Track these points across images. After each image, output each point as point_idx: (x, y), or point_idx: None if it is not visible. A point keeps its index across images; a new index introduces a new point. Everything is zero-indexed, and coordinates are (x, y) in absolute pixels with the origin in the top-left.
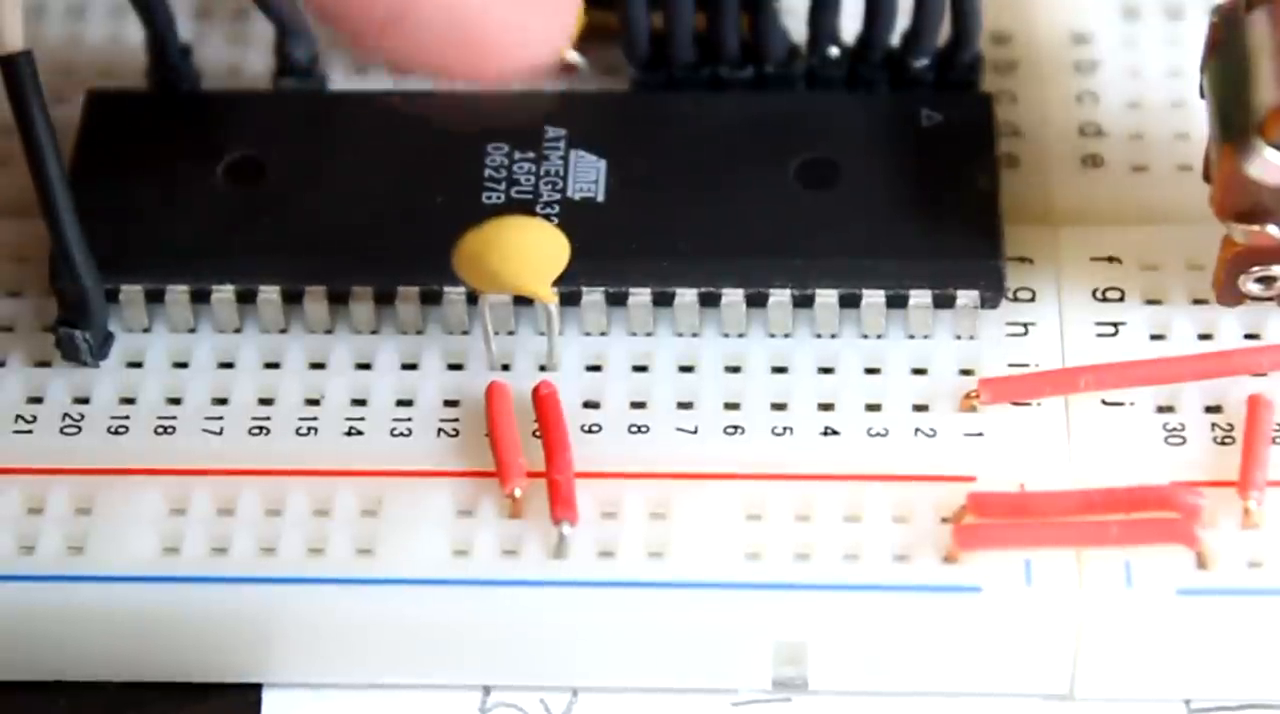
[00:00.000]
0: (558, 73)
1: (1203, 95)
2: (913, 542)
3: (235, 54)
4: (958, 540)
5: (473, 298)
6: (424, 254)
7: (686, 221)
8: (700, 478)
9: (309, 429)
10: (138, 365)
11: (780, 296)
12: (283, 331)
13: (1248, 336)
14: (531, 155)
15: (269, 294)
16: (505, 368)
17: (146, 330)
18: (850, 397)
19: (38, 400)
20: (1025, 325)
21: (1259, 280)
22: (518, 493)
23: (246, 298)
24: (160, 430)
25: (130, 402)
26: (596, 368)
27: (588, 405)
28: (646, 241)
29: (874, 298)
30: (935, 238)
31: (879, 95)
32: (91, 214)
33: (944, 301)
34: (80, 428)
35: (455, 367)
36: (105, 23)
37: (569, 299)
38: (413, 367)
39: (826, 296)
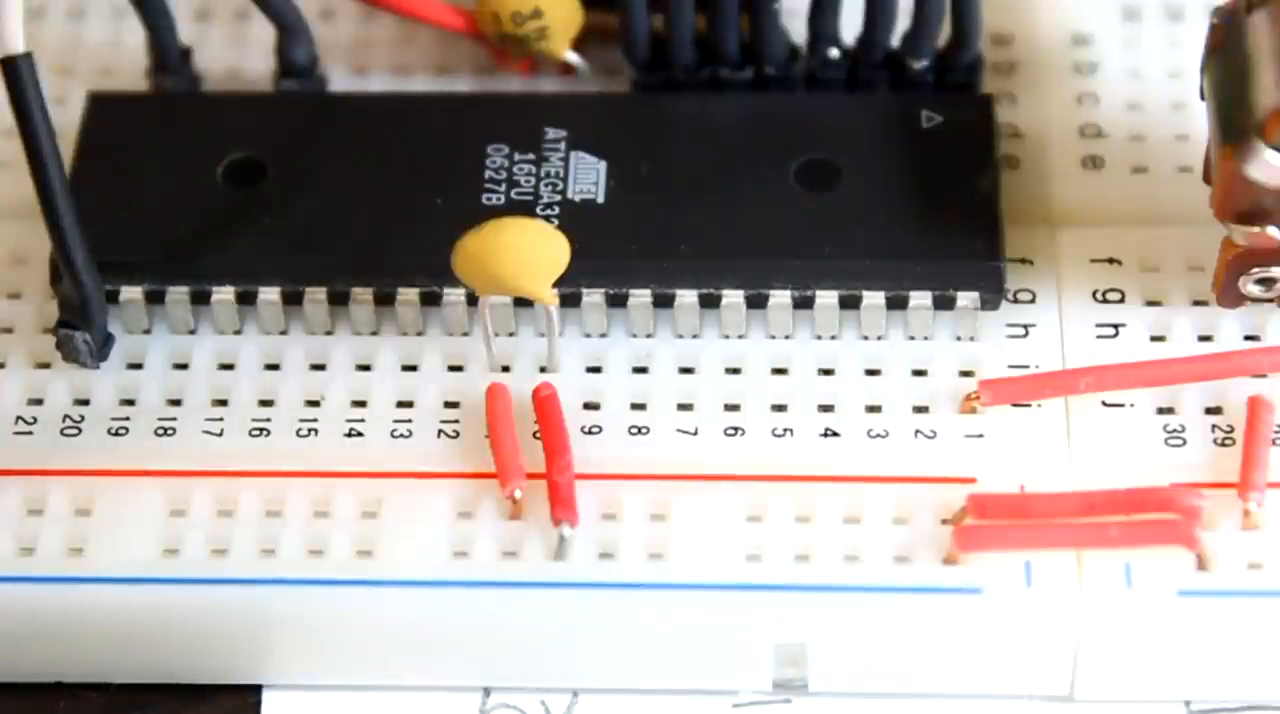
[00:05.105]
0: (559, 73)
1: (1203, 97)
2: (913, 543)
3: (235, 56)
4: (958, 542)
5: (473, 299)
6: (424, 255)
7: (686, 223)
8: (700, 479)
9: (309, 430)
10: (138, 367)
11: (780, 298)
12: (283, 333)
13: (1248, 338)
14: (532, 157)
15: (269, 295)
16: (505, 369)
17: (147, 332)
18: (850, 398)
19: (38, 402)
20: (1025, 327)
21: (1259, 282)
22: (518, 494)
23: (246, 299)
24: (160, 432)
25: (130, 403)
26: (597, 369)
27: (588, 407)
28: (646, 243)
29: (874, 299)
30: (935, 239)
31: (879, 97)
32: (92, 216)
33: (944, 303)
34: (80, 429)
35: (455, 368)
36: (105, 24)
37: (569, 300)
38: (413, 368)
39: (826, 298)
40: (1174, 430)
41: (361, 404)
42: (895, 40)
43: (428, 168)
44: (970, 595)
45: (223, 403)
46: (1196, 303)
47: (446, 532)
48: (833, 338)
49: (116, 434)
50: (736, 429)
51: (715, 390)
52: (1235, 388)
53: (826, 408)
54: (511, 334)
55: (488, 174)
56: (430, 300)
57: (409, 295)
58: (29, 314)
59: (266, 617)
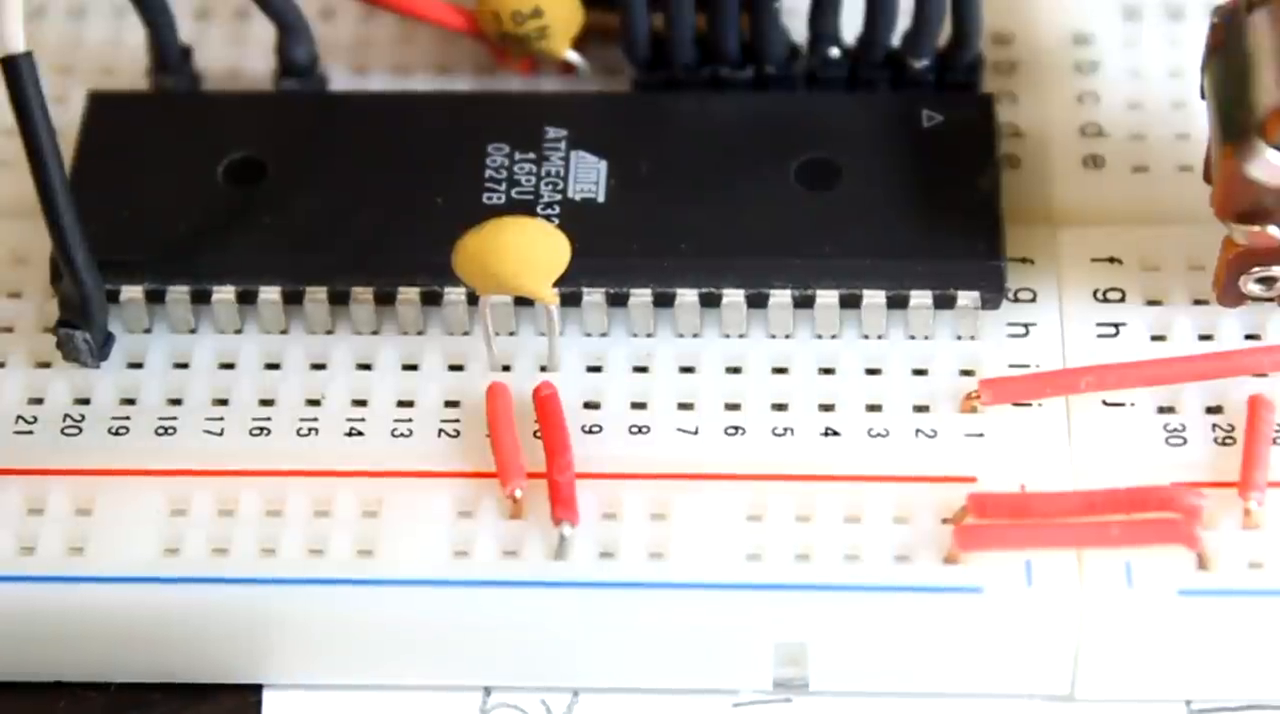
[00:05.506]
0: (559, 73)
1: (1203, 96)
2: (913, 542)
3: (236, 55)
4: (958, 541)
5: (473, 298)
6: (425, 255)
7: (687, 222)
8: (701, 479)
9: (309, 430)
10: (138, 366)
11: (781, 297)
12: (283, 332)
13: (1248, 337)
14: (532, 156)
15: (269, 294)
16: (506, 368)
17: (147, 331)
18: (851, 397)
19: (38, 401)
20: (1026, 326)
21: (1260, 281)
22: (518, 494)
23: (247, 298)
24: (161, 431)
25: (131, 402)
26: (597, 368)
27: (588, 406)
28: (647, 242)
29: (874, 298)
30: (936, 238)
31: (879, 96)
32: (92, 215)
33: (944, 302)
34: (81, 428)
35: (456, 367)
36: (105, 23)
37: (569, 300)
38: (413, 367)
39: (827, 297)
40: (1174, 430)
41: (362, 403)
42: (896, 39)
43: (428, 167)
44: (971, 595)
45: (223, 402)
46: (1197, 302)
47: (447, 531)
48: (833, 337)
49: (117, 433)
50: (737, 428)
51: (716, 390)
52: (1236, 387)
53: (827, 407)
54: (512, 333)
55: (488, 173)
56: (431, 300)
57: (409, 294)
58: (29, 313)
59: (267, 616)
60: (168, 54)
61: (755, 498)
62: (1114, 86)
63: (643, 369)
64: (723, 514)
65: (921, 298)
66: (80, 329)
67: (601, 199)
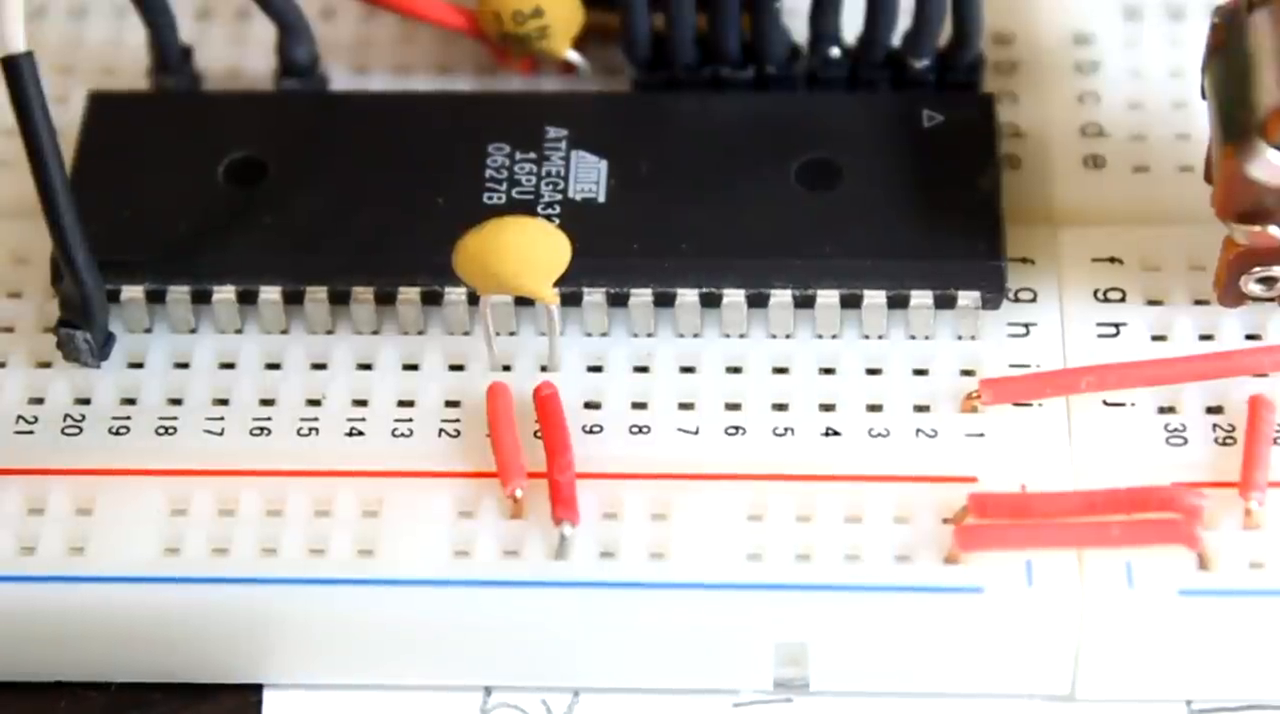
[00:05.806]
0: (559, 73)
1: (1204, 96)
2: (914, 542)
3: (236, 54)
4: (959, 541)
5: (474, 298)
6: (425, 254)
7: (687, 222)
8: (701, 478)
9: (310, 430)
10: (139, 366)
11: (781, 297)
12: (284, 332)
13: (1249, 337)
14: (533, 156)
15: (270, 294)
16: (506, 368)
17: (148, 331)
18: (851, 397)
19: (39, 401)
20: (1026, 326)
21: (1260, 281)
22: (519, 493)
23: (247, 298)
24: (161, 431)
25: (131, 402)
26: (598, 368)
27: (589, 406)
28: (647, 242)
29: (875, 298)
30: (936, 238)
31: (880, 96)
32: (92, 215)
33: (945, 302)
34: (81, 428)
35: (456, 367)
36: (106, 23)
37: (570, 299)
38: (414, 367)
39: (827, 297)
40: (1175, 430)
41: (362, 403)
42: (896, 39)
43: (429, 167)
44: (971, 595)
45: (223, 402)
46: (1198, 302)
47: (447, 531)
48: (834, 337)
49: (117, 433)
50: (737, 428)
51: (716, 389)
52: (1236, 387)
53: (827, 407)
54: (512, 333)
55: (489, 173)
56: (431, 299)
57: (410, 294)
58: (30, 313)
59: (267, 616)
60: (168, 54)
61: (755, 498)
62: (1114, 86)
63: (643, 369)
64: (723, 514)
65: (922, 298)
66: (81, 329)
67: (602, 199)
